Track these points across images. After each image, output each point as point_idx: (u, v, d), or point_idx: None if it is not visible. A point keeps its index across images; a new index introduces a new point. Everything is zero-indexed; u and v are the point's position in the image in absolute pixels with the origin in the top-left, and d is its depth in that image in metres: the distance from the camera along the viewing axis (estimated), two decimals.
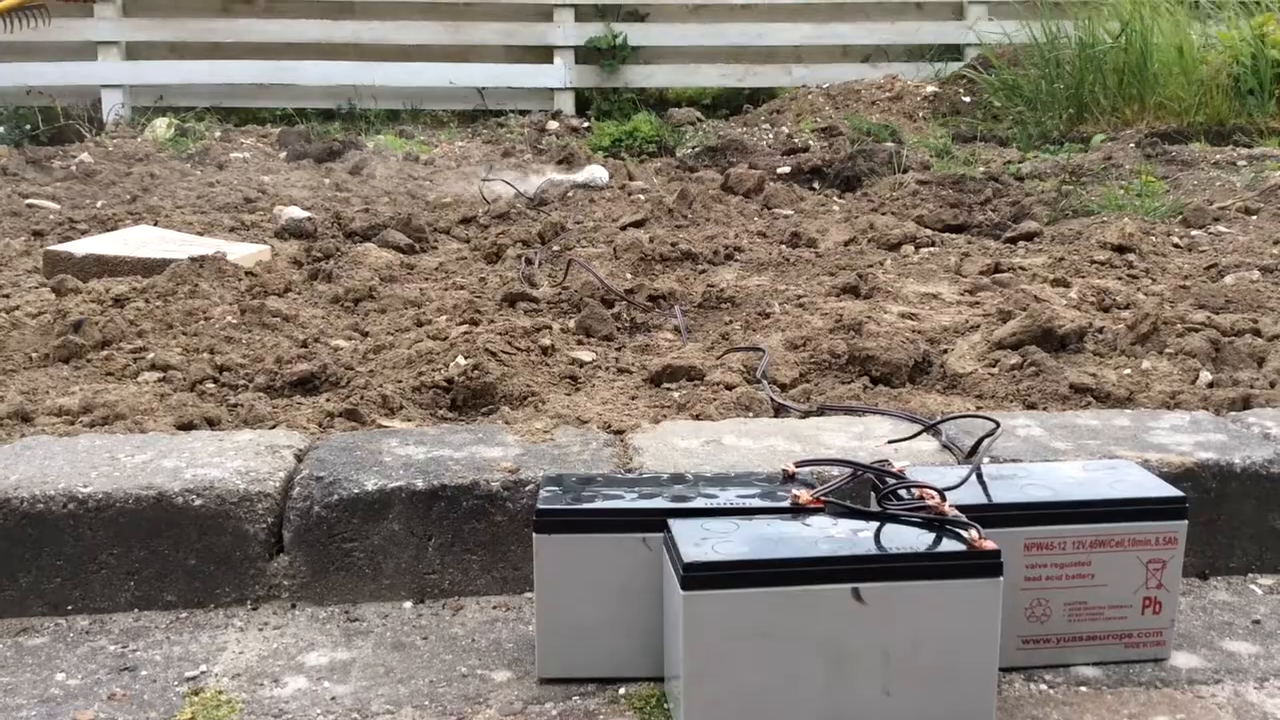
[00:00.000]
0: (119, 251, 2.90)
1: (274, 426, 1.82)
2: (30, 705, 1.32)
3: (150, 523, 1.50)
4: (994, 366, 2.14)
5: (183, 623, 1.50)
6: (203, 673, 1.38)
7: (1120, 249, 3.09)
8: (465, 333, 2.29)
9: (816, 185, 4.34)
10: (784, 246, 3.25)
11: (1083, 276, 2.83)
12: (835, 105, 5.98)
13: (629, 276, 2.84)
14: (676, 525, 1.28)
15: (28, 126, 5.49)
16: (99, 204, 3.96)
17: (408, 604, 1.54)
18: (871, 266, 2.97)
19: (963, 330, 2.38)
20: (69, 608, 1.51)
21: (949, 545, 1.24)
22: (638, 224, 3.51)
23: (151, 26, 6.37)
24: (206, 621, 1.50)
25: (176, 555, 1.51)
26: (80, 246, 2.96)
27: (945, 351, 2.27)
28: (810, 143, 5.06)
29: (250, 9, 6.45)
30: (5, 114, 5.61)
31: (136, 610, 1.52)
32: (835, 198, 4.14)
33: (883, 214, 3.70)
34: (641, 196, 3.99)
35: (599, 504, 1.35)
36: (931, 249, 3.26)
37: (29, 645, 1.45)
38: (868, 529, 1.27)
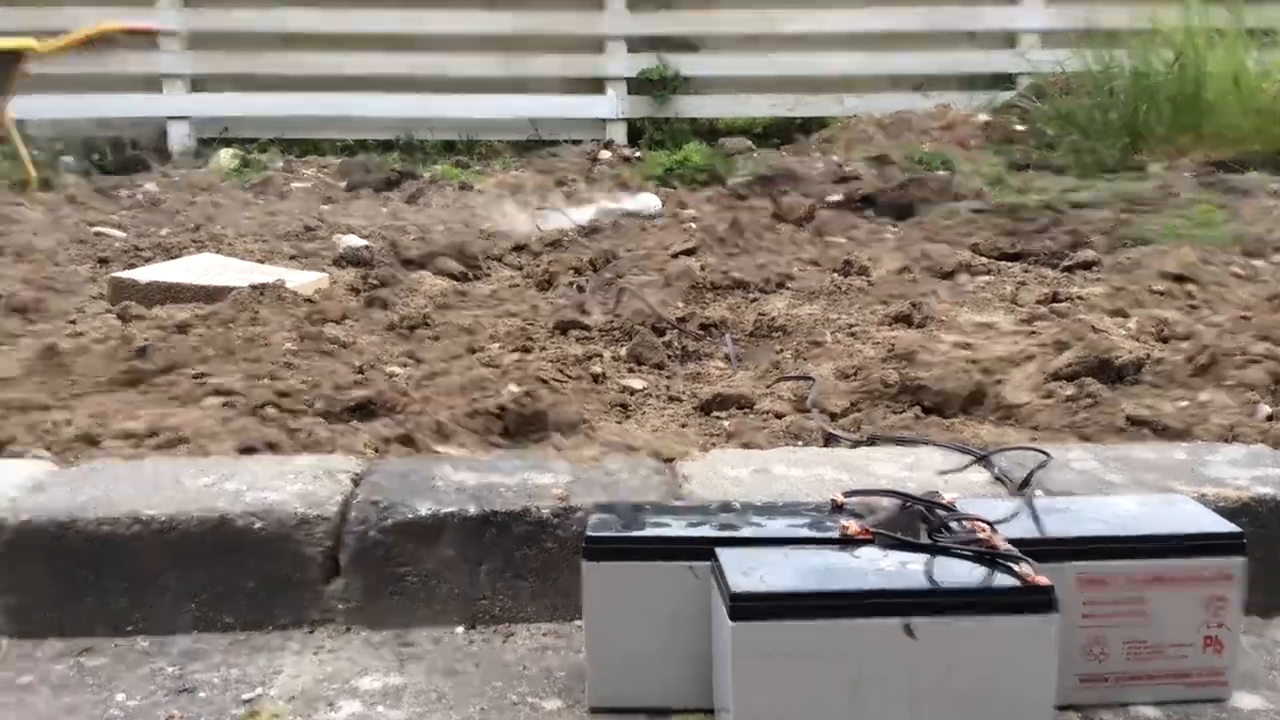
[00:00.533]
0: (182, 279, 2.97)
1: (332, 451, 1.85)
2: None
3: (212, 545, 1.53)
4: (1049, 398, 2.12)
5: (240, 645, 1.53)
6: (259, 695, 1.41)
7: (1180, 279, 3.04)
8: (517, 360, 2.32)
9: (869, 213, 4.33)
10: (836, 275, 3.24)
11: (1142, 306, 2.79)
12: (886, 134, 5.97)
13: (680, 304, 2.86)
14: (724, 554, 1.28)
15: (96, 157, 5.65)
16: (163, 232, 4.06)
17: (459, 629, 1.56)
18: (925, 295, 2.96)
19: (1018, 360, 2.36)
20: (130, 629, 1.54)
21: (1001, 580, 1.23)
22: (689, 252, 3.52)
23: (216, 60, 6.53)
24: (264, 644, 1.53)
25: (236, 578, 1.54)
26: (145, 274, 3.04)
27: (1000, 382, 2.24)
28: (861, 171, 5.05)
29: (312, 43, 6.59)
30: (74, 145, 5.79)
31: (195, 632, 1.55)
32: (888, 225, 4.12)
33: (936, 242, 3.68)
34: (693, 225, 4.01)
35: (647, 532, 1.36)
36: (987, 277, 3.23)
37: (90, 665, 1.49)
38: (918, 562, 1.26)
